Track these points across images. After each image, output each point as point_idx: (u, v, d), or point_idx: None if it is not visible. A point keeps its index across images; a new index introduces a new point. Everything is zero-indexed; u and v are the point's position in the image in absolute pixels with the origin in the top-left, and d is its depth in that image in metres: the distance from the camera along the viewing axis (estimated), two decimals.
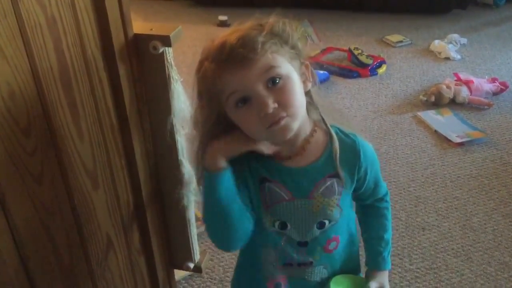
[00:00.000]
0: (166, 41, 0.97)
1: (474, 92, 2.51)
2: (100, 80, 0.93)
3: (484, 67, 2.86)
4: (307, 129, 0.88)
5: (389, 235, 1.02)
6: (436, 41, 3.05)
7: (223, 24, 3.39)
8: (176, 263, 1.30)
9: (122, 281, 1.11)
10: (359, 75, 2.78)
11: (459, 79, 2.57)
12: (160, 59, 1.00)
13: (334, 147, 0.88)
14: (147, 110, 1.06)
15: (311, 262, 0.94)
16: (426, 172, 2.07)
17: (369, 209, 1.02)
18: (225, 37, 0.81)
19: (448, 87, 2.50)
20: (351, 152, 0.90)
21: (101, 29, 0.91)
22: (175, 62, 1.04)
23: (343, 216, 0.94)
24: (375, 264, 1.02)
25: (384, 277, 1.02)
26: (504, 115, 2.43)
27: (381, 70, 2.82)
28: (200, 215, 1.74)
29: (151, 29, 1.00)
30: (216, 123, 0.86)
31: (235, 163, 0.86)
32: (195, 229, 1.26)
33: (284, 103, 0.79)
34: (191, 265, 1.28)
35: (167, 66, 1.01)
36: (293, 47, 0.83)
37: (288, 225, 0.90)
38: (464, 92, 2.49)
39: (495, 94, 2.55)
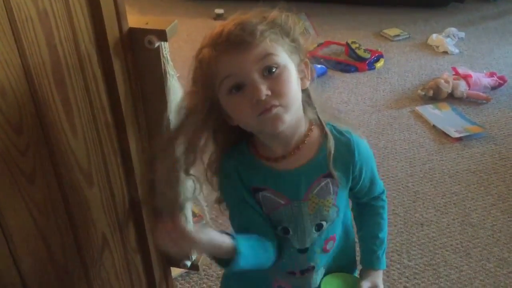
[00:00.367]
0: (162, 35, 0.95)
1: (472, 86, 2.49)
2: (94, 76, 0.91)
3: (482, 61, 2.84)
4: (303, 128, 0.86)
5: (384, 234, 1.01)
6: (434, 35, 3.03)
7: (219, 17, 3.36)
8: (173, 261, 1.28)
9: (118, 280, 1.09)
10: (356, 70, 2.76)
11: (457, 73, 2.56)
12: (156, 54, 0.97)
13: (329, 147, 0.86)
14: (142, 106, 1.03)
15: (313, 267, 0.93)
16: (425, 167, 2.06)
17: (365, 208, 1.01)
18: (224, 25, 0.80)
19: (447, 81, 2.48)
20: (346, 150, 0.88)
21: (95, 23, 0.88)
22: (171, 57, 1.01)
23: (340, 215, 0.92)
24: (369, 263, 1.00)
25: (378, 276, 1.00)
26: (502, 109, 2.42)
27: (379, 64, 2.80)
28: (197, 211, 1.73)
29: (147, 23, 0.97)
30: (208, 111, 0.84)
31: (227, 183, 0.84)
32: (192, 227, 1.24)
33: (278, 92, 0.77)
34: (188, 263, 1.26)
35: (163, 61, 0.99)
36: (294, 40, 0.81)
37: (290, 230, 0.89)
38: (462, 87, 2.47)
39: (493, 88, 2.54)
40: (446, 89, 2.46)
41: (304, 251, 0.91)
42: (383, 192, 1.00)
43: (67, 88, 0.84)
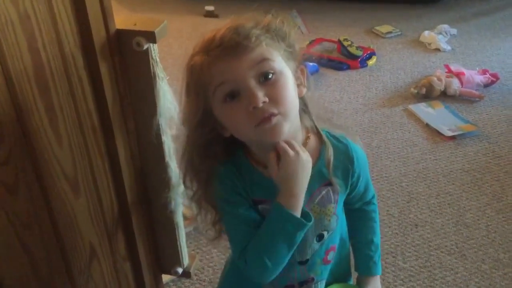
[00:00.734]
0: (150, 37, 0.91)
1: (465, 84, 2.47)
2: (80, 80, 0.87)
3: (474, 58, 2.82)
4: (300, 137, 0.83)
5: (378, 239, 0.99)
6: (426, 32, 3.01)
7: (210, 14, 3.31)
8: (164, 268, 1.24)
9: None
10: (349, 67, 2.73)
11: (450, 71, 2.54)
12: (145, 56, 0.93)
13: (328, 155, 0.83)
14: (131, 110, 1.00)
15: (313, 278, 0.90)
16: (418, 166, 2.04)
17: (357, 213, 0.98)
18: (216, 30, 0.76)
19: (439, 79, 2.46)
20: (345, 158, 0.86)
21: (80, 25, 0.84)
22: (160, 55, 0.97)
23: (339, 223, 0.89)
24: (365, 270, 0.98)
25: (376, 282, 0.99)
26: (495, 107, 2.40)
27: (371, 62, 2.77)
28: (189, 214, 1.69)
29: (135, 24, 0.93)
30: (202, 123, 0.81)
31: (232, 193, 0.81)
32: (183, 233, 1.20)
33: (275, 99, 0.74)
34: (180, 270, 1.23)
35: (152, 64, 0.95)
36: (290, 46, 0.78)
37: None
38: (455, 84, 2.46)
39: (486, 86, 2.52)
40: (439, 87, 2.44)
41: (304, 262, 0.88)
42: (374, 196, 0.98)
43: (51, 93, 0.80)
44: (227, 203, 0.85)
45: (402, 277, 1.57)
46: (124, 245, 1.09)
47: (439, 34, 2.99)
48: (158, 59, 0.96)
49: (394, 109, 2.41)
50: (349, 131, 0.92)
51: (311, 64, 2.63)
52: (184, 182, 0.90)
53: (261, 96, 0.72)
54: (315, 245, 0.87)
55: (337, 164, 0.84)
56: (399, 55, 2.89)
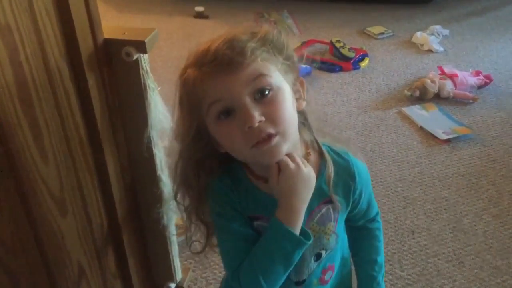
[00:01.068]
0: (141, 46, 0.86)
1: (459, 86, 2.45)
2: (66, 93, 0.82)
3: (467, 59, 2.81)
4: (300, 152, 0.79)
5: (382, 258, 0.95)
6: (418, 33, 2.99)
7: (199, 15, 3.25)
8: (156, 284, 1.20)
9: None
10: (341, 69, 2.70)
11: (443, 73, 2.51)
12: (135, 67, 0.89)
13: (328, 172, 0.79)
14: (121, 123, 0.95)
15: None
16: (414, 171, 2.01)
17: (360, 231, 0.94)
18: (211, 41, 0.72)
19: (433, 81, 2.44)
20: (346, 174, 0.82)
21: (66, 35, 0.80)
22: (149, 57, 0.92)
23: (339, 242, 0.86)
24: None
25: None
26: (489, 109, 2.39)
27: (363, 64, 2.74)
28: (181, 222, 1.65)
29: (124, 33, 0.89)
30: (196, 138, 0.77)
31: (226, 206, 0.77)
32: (176, 247, 1.16)
33: (272, 118, 0.70)
34: (173, 286, 1.19)
35: (143, 74, 0.90)
36: (288, 58, 0.74)
37: None
38: (448, 86, 2.43)
39: (479, 87, 2.50)
40: (433, 89, 2.41)
41: (301, 283, 0.84)
42: (377, 213, 0.95)
43: (35, 109, 0.75)
44: (221, 217, 0.81)
45: (399, 285, 1.54)
46: (115, 262, 1.05)
47: (432, 35, 2.97)
48: (149, 70, 0.92)
49: (388, 112, 2.38)
50: (351, 145, 0.88)
51: (303, 66, 2.59)
52: (175, 197, 0.86)
53: (257, 116, 0.68)
54: (313, 264, 0.84)
55: (337, 181, 0.81)
56: (391, 56, 2.86)
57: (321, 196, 0.79)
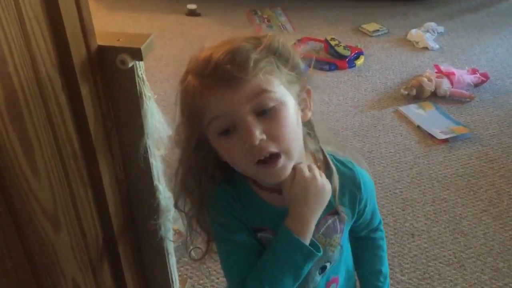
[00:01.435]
0: (136, 54, 0.82)
1: (455, 84, 2.43)
2: (58, 104, 0.78)
3: (463, 57, 2.79)
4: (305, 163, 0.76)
5: (386, 269, 0.93)
6: (414, 30, 2.96)
7: (192, 13, 3.20)
8: None
9: None
10: (336, 67, 2.66)
11: (439, 71, 2.49)
12: (130, 75, 0.85)
13: (334, 184, 0.76)
14: (116, 133, 0.91)
15: None
16: (412, 172, 1.98)
17: (363, 241, 0.92)
18: (213, 50, 0.68)
19: (429, 79, 2.41)
20: (352, 184, 0.80)
21: (58, 43, 0.75)
22: None
23: (343, 253, 0.83)
24: None
25: None
26: (486, 108, 2.37)
27: (359, 62, 2.71)
28: (176, 228, 1.61)
29: (119, 40, 0.84)
30: (197, 148, 0.73)
31: (228, 216, 0.73)
32: (174, 258, 1.13)
33: (274, 135, 0.67)
34: None
35: (138, 82, 0.86)
36: (294, 68, 0.70)
37: None
38: (445, 85, 2.41)
39: (476, 85, 2.48)
40: (429, 87, 2.39)
41: None
42: (380, 222, 0.92)
43: (25, 122, 0.71)
44: (223, 228, 0.77)
45: None
46: (111, 276, 1.01)
47: (427, 32, 2.95)
48: (145, 77, 0.88)
49: (385, 111, 2.36)
50: (355, 154, 0.85)
51: None
52: (176, 204, 0.83)
53: (257, 134, 0.65)
54: (318, 277, 0.81)
55: (343, 191, 0.79)
56: (387, 54, 2.83)
57: (327, 208, 0.77)
